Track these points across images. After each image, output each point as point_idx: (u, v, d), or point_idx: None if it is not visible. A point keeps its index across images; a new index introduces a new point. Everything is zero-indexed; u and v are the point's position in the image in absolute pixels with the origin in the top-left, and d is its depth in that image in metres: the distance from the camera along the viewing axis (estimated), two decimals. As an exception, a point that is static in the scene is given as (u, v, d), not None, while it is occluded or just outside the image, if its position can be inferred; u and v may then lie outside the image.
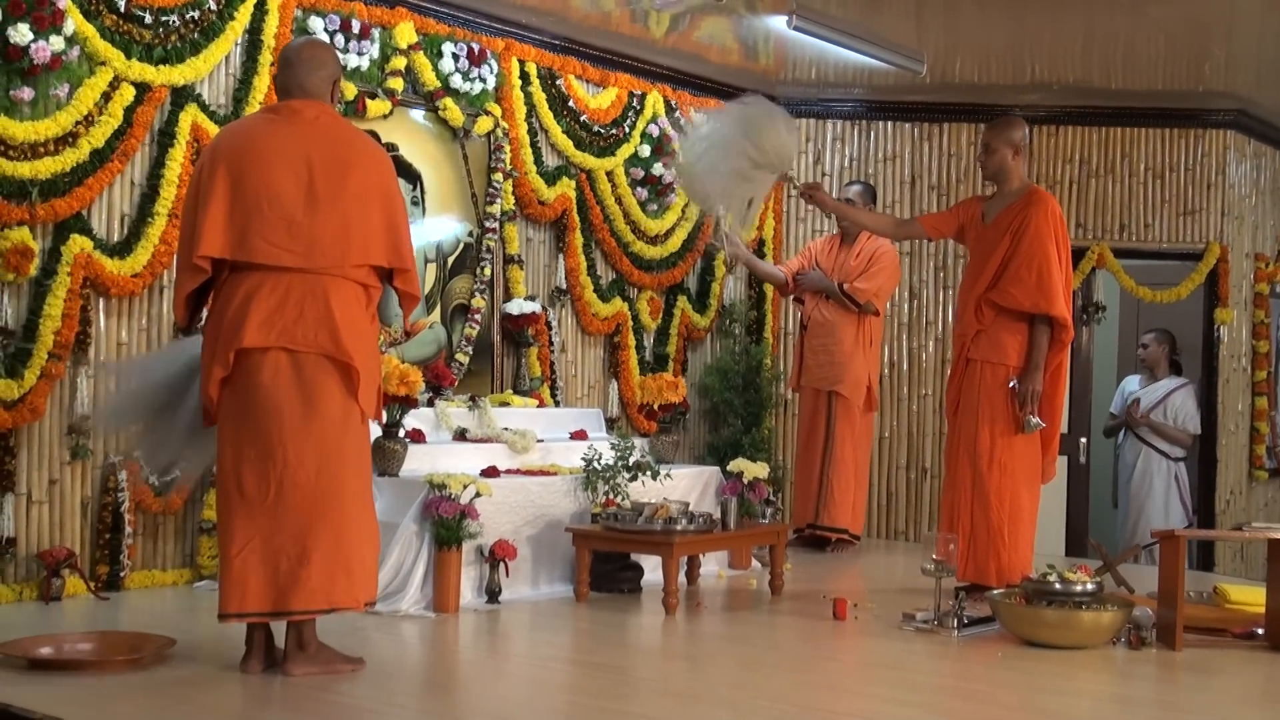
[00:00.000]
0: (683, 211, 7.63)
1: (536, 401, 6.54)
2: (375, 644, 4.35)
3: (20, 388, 4.91)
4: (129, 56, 5.18)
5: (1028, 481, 5.46)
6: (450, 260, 6.50)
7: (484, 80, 6.49)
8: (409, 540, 5.01)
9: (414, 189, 6.31)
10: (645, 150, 7.35)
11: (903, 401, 8.27)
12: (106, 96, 5.14)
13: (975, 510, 5.42)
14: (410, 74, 6.21)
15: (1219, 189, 8.30)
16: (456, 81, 6.37)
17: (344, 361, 3.75)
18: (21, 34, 4.78)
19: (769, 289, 7.99)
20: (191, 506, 5.48)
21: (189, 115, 5.39)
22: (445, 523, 4.93)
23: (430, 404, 5.87)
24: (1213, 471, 8.34)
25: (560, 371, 7.01)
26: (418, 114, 6.33)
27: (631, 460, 5.63)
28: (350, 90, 5.86)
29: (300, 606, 3.71)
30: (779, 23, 6.61)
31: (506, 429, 5.95)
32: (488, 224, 6.58)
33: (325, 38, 5.76)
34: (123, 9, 5.15)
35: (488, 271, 6.56)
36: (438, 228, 6.45)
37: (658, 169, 7.37)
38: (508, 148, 6.65)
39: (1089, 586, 4.57)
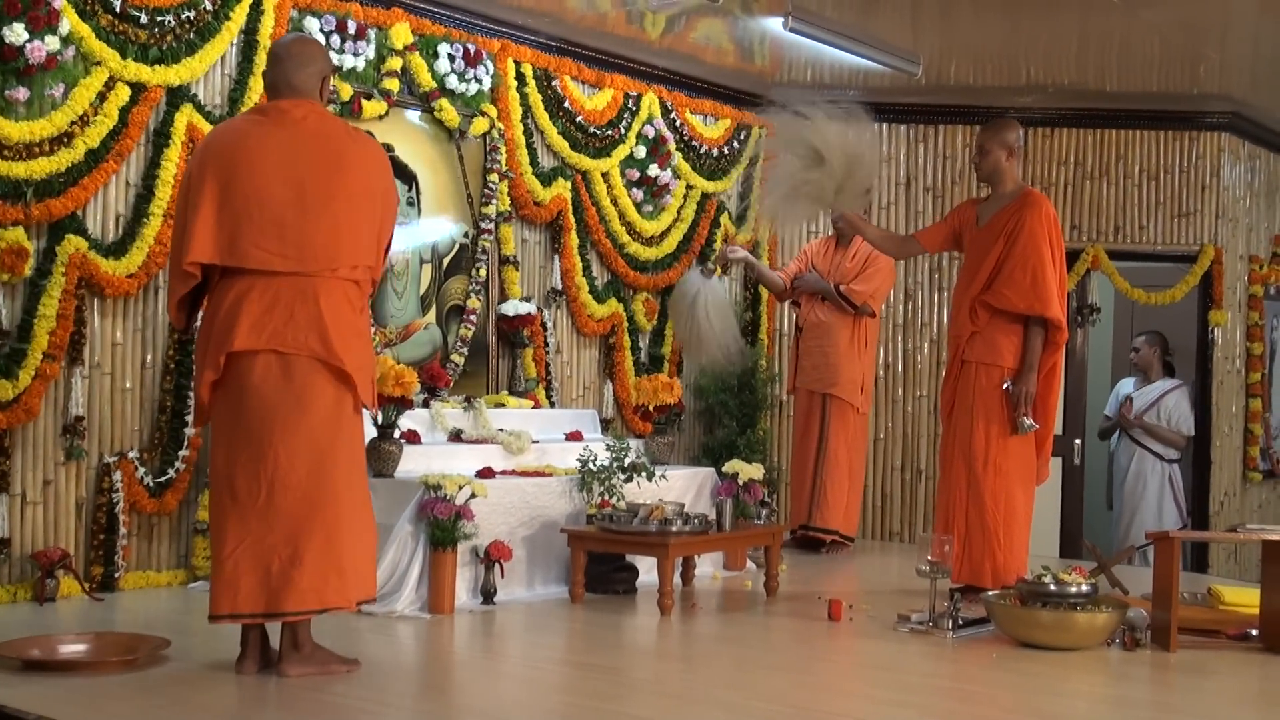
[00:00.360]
0: (678, 213, 7.63)
1: (532, 402, 6.54)
2: (370, 645, 4.35)
3: (15, 388, 4.90)
4: (124, 56, 5.17)
5: (1022, 483, 5.47)
6: (445, 261, 6.49)
7: (480, 81, 6.49)
8: (404, 541, 5.01)
9: (409, 190, 6.30)
10: (641, 151, 7.35)
11: (897, 403, 8.28)
12: (102, 96, 5.13)
13: (970, 511, 5.43)
14: (406, 75, 6.21)
15: (1213, 191, 8.31)
16: (452, 82, 6.37)
17: (334, 365, 3.76)
18: (16, 33, 4.78)
19: (764, 290, 7.99)
20: (186, 507, 5.48)
21: (184, 115, 5.39)
22: (440, 524, 4.93)
23: (425, 405, 5.86)
24: (1207, 473, 8.36)
25: (555, 372, 7.01)
26: (413, 115, 6.33)
27: (627, 461, 5.63)
28: (346, 91, 5.86)
29: (293, 607, 3.71)
30: (775, 24, 6.62)
31: (502, 430, 5.95)
32: (483, 225, 6.57)
33: (321, 38, 5.75)
34: (118, 9, 5.15)
35: (483, 272, 6.56)
36: (433, 228, 6.45)
37: (653, 170, 7.37)
38: (503, 149, 6.65)
39: (1084, 588, 4.57)
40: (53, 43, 4.88)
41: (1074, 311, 8.11)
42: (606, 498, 5.53)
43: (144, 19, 5.24)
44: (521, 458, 5.90)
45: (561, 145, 6.96)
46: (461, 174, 6.54)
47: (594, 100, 7.17)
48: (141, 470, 5.28)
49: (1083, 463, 8.30)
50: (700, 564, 5.95)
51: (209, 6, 5.46)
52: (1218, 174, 8.32)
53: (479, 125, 6.53)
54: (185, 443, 5.40)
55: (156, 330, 5.44)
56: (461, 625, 4.81)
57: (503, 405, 6.29)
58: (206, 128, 5.37)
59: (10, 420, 4.91)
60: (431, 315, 6.40)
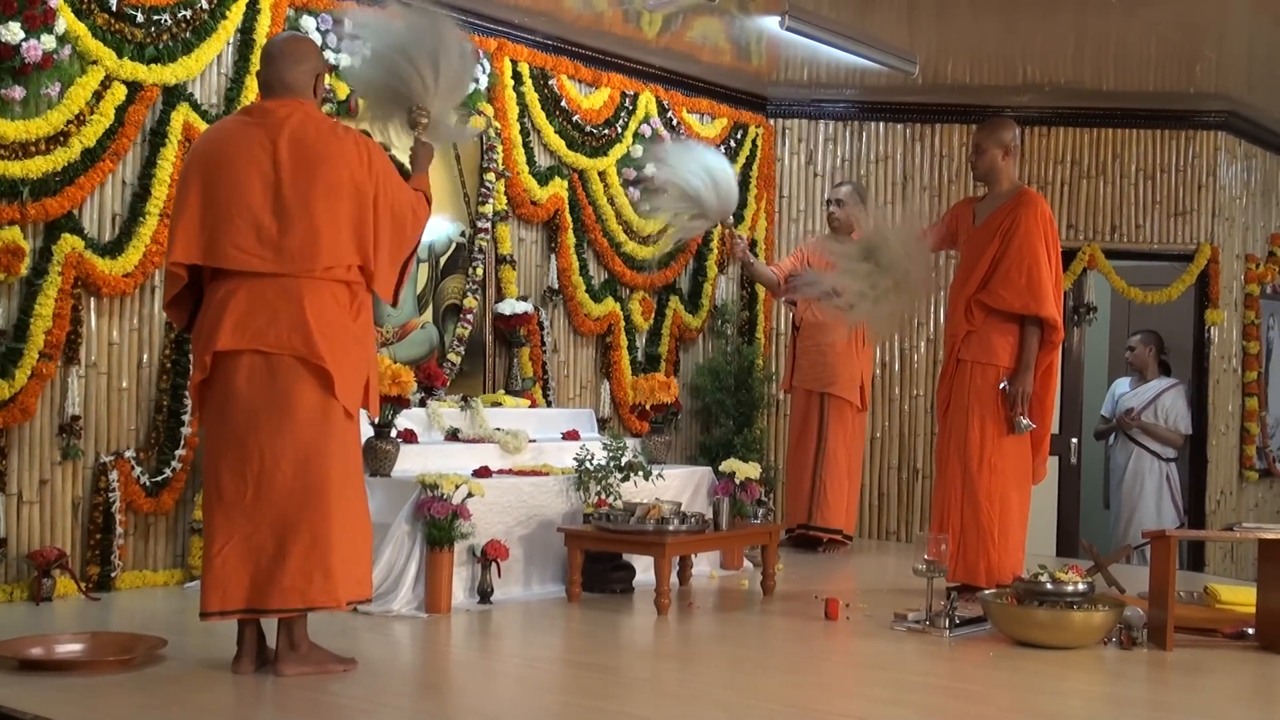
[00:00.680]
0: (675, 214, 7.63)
1: (529, 402, 6.54)
2: (367, 644, 4.35)
3: (11, 388, 4.90)
4: (121, 55, 5.17)
5: (1017, 482, 5.48)
6: (442, 260, 6.49)
7: (476, 80, 6.49)
8: (401, 540, 5.00)
9: (406, 189, 6.29)
10: (637, 150, 7.35)
11: (894, 402, 8.28)
12: (98, 95, 5.13)
13: (965, 510, 5.43)
14: (403, 74, 6.20)
15: (1210, 190, 8.32)
16: (449, 81, 6.36)
17: (317, 365, 3.76)
18: (13, 33, 4.77)
19: (760, 289, 7.99)
20: (182, 507, 5.47)
21: (181, 114, 5.38)
22: (437, 523, 4.93)
23: (422, 404, 5.86)
24: (1203, 472, 8.37)
25: (552, 372, 7.00)
26: (410, 114, 6.31)
27: (624, 460, 5.63)
28: (343, 90, 5.85)
29: (276, 605, 3.72)
30: (771, 23, 6.62)
31: (498, 429, 5.95)
32: (480, 224, 6.57)
33: (318, 37, 5.75)
34: (114, 8, 5.14)
35: (480, 271, 6.56)
36: (430, 228, 6.38)
37: (650, 169, 7.37)
38: (500, 148, 6.65)
39: (1080, 587, 4.57)
40: (49, 42, 4.88)
41: (1070, 310, 8.11)
42: (603, 497, 5.53)
43: (140, 18, 5.23)
44: (518, 457, 5.90)
45: (558, 144, 6.96)
46: (458, 173, 6.54)
47: (591, 99, 7.17)
48: (138, 470, 5.28)
49: (1079, 462, 8.30)
50: (697, 563, 5.95)
51: (205, 5, 5.45)
52: (1214, 173, 8.32)
53: (476, 124, 6.52)
54: (181, 442, 5.39)
55: (153, 330, 5.43)
56: (458, 624, 4.81)
57: (499, 404, 6.28)
58: (203, 127, 5.36)
59: (6, 420, 4.90)
60: (428, 314, 6.40)
